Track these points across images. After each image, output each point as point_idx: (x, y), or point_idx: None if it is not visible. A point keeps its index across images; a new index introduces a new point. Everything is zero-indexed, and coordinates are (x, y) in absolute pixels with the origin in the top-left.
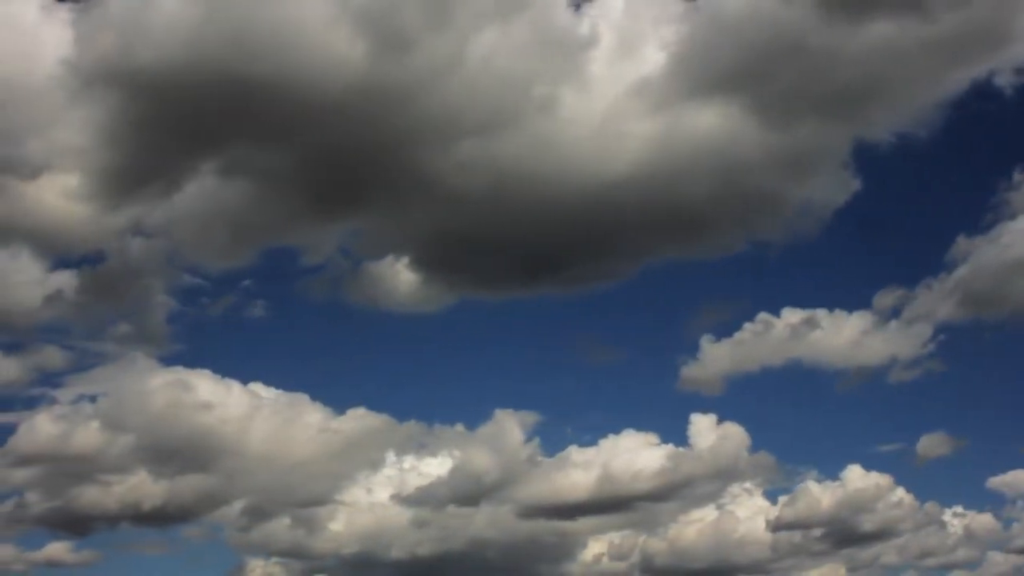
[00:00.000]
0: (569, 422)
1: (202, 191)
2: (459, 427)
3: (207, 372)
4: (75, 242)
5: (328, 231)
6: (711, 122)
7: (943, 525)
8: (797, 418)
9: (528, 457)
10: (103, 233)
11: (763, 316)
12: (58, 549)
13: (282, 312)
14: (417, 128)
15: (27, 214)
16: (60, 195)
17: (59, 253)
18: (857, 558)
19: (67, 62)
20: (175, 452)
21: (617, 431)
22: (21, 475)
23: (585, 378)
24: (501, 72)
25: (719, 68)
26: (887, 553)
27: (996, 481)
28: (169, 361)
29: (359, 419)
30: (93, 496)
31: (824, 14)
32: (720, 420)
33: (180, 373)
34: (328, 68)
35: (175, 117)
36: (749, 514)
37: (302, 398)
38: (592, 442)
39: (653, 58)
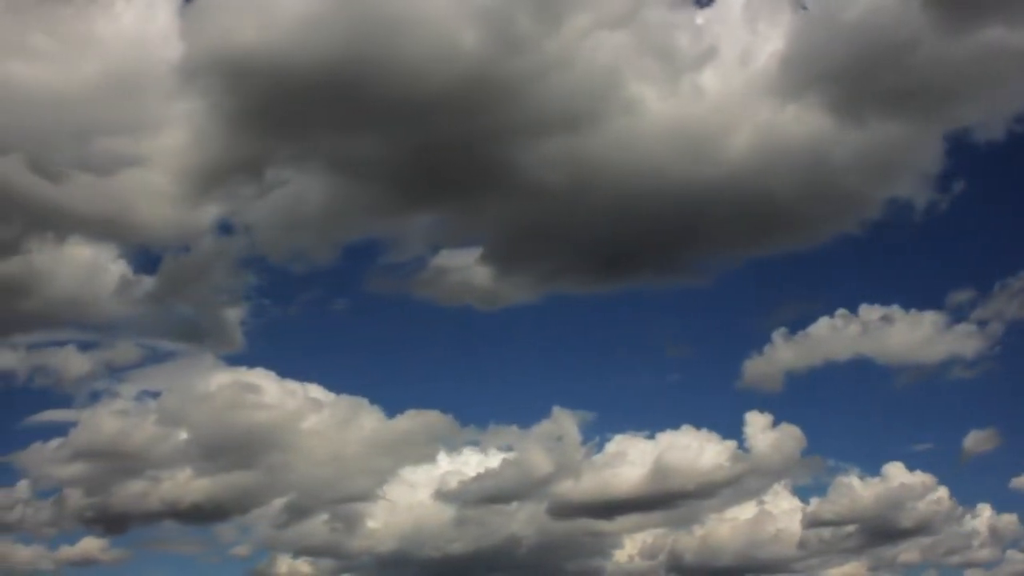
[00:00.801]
0: (628, 419)
1: (290, 185)
2: (513, 426)
3: (271, 373)
4: (159, 238)
5: (411, 225)
6: (800, 120)
7: (974, 524)
8: (848, 415)
9: (579, 455)
10: (188, 229)
11: (840, 312)
12: (92, 546)
13: (358, 309)
14: (511, 125)
15: (113, 208)
16: (147, 190)
17: (143, 248)
18: (881, 556)
19: (171, 54)
20: (225, 450)
21: (676, 427)
22: (70, 470)
23: (653, 374)
24: (598, 71)
25: (815, 69)
26: (912, 551)
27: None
28: (237, 360)
29: (413, 419)
30: (135, 492)
31: (932, 18)
32: (777, 418)
33: (243, 373)
34: (437, 62)
35: (269, 109)
36: (784, 511)
37: (361, 402)
38: (646, 439)
39: (754, 60)
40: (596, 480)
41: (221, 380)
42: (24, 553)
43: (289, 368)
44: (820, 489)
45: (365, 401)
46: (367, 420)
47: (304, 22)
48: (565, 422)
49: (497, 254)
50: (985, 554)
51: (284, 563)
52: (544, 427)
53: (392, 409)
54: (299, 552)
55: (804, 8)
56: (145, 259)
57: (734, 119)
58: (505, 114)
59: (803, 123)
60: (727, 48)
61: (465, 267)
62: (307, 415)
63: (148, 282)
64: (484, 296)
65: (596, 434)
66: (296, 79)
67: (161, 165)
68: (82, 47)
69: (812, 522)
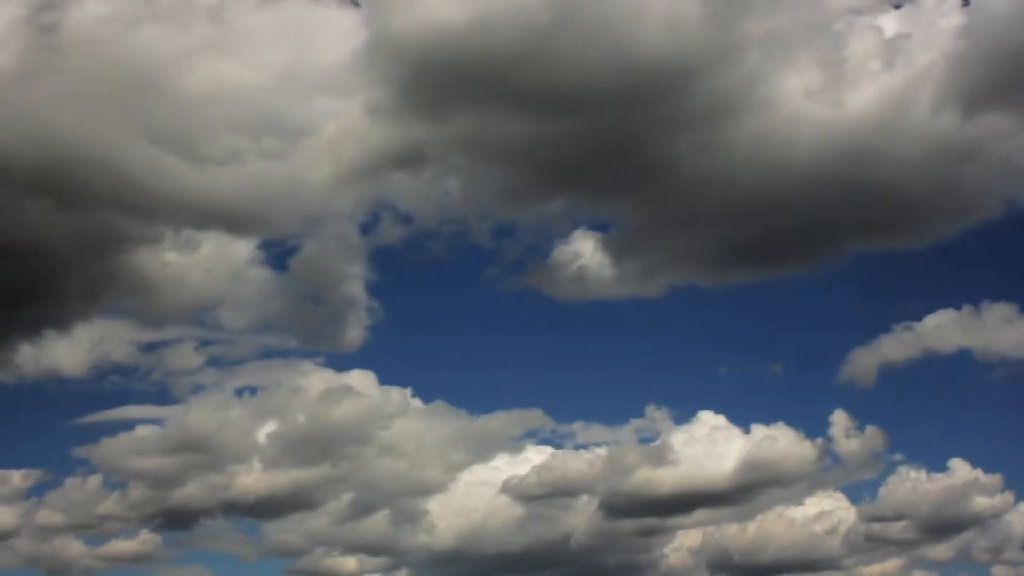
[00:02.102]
0: (730, 414)
1: (437, 173)
2: (604, 423)
3: (371, 374)
4: (296, 233)
5: (547, 213)
6: (927, 117)
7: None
8: (933, 411)
9: (657, 452)
10: (327, 223)
11: (947, 308)
12: (145, 542)
13: (479, 303)
14: (659, 118)
15: (255, 201)
16: (291, 183)
17: (280, 242)
18: (918, 553)
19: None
20: (305, 448)
21: (768, 422)
22: (148, 464)
23: (759, 367)
24: (748, 69)
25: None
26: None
27: None
28: (348, 359)
29: (499, 419)
30: (209, 486)
31: None
32: (865, 415)
33: (346, 375)
34: (598, 53)
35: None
36: (842, 507)
37: (451, 408)
38: (735, 434)
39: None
40: (673, 476)
41: (322, 379)
42: (75, 547)
43: (392, 371)
44: (880, 485)
45: (455, 408)
46: (451, 422)
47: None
48: (656, 419)
49: (625, 244)
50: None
51: (330, 559)
52: (635, 424)
53: (490, 405)
54: (352, 549)
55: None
56: (281, 253)
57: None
58: (657, 107)
59: (930, 120)
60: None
61: (591, 257)
62: (396, 417)
63: (276, 277)
64: (605, 287)
65: (688, 428)
66: (460, 67)
67: (313, 158)
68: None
69: (868, 518)
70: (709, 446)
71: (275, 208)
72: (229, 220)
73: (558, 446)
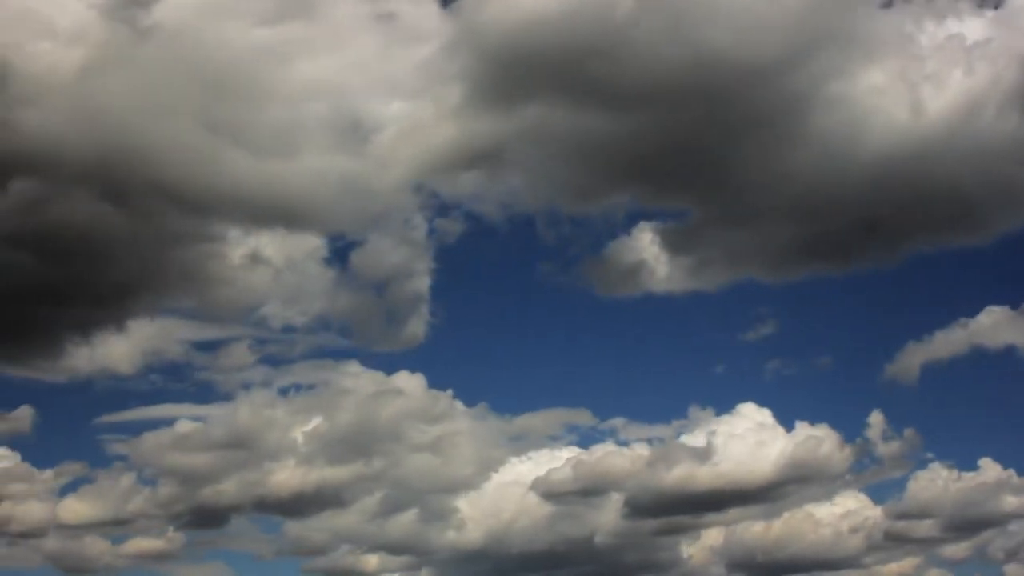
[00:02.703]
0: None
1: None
2: (637, 421)
3: (420, 377)
4: (360, 230)
5: (613, 206)
6: (992, 117)
7: None
8: (970, 410)
9: (694, 450)
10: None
11: (1003, 307)
12: (170, 539)
13: (536, 300)
14: (735, 113)
15: (319, 198)
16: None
17: (332, 238)
18: (937, 552)
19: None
20: (340, 447)
21: (807, 421)
22: (185, 461)
23: (805, 365)
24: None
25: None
26: (973, 545)
27: None
28: (399, 359)
29: (535, 419)
30: (243, 482)
31: None
32: (900, 415)
33: (395, 377)
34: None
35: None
36: (863, 506)
37: (486, 407)
38: (768, 436)
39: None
40: (708, 474)
41: (369, 379)
42: (98, 545)
43: (443, 370)
44: (908, 483)
45: (497, 407)
46: (493, 423)
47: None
48: (699, 416)
49: (686, 239)
50: None
51: (352, 558)
52: (677, 421)
53: (536, 403)
54: (376, 548)
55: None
56: (343, 251)
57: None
58: (727, 104)
59: (995, 122)
60: None
61: (650, 252)
62: (436, 417)
63: (338, 275)
64: (664, 282)
65: (730, 425)
66: (536, 61)
67: (382, 154)
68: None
69: (893, 516)
70: (749, 444)
71: (339, 205)
72: (290, 217)
73: (597, 444)
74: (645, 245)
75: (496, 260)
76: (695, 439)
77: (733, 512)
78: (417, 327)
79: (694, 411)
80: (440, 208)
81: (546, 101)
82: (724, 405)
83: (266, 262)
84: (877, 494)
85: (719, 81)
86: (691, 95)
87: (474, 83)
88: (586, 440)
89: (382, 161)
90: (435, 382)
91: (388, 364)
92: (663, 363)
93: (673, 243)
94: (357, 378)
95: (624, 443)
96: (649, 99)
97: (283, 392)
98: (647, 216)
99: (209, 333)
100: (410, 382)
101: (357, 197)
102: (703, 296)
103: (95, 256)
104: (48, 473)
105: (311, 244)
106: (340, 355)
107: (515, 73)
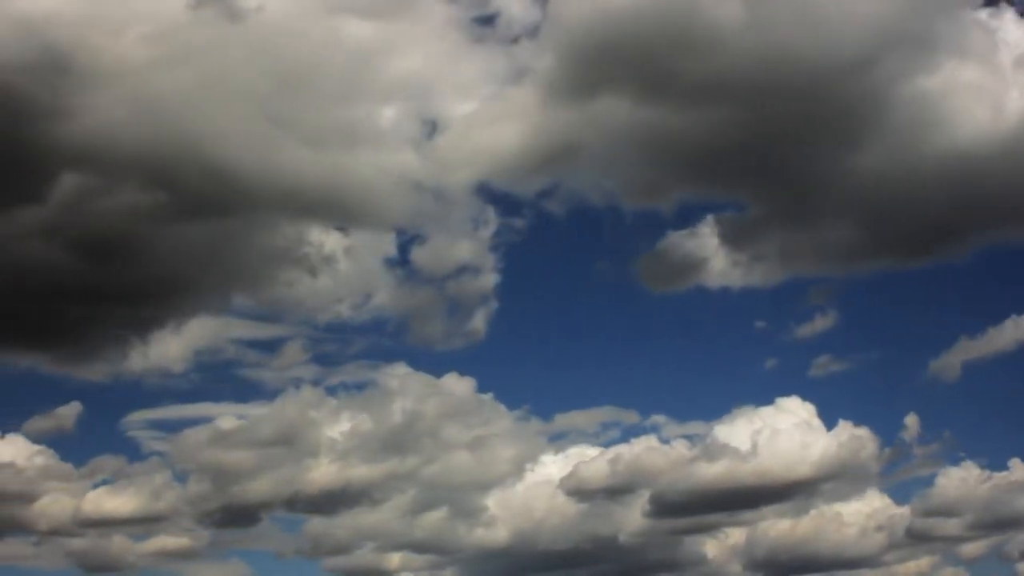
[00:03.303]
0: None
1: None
2: (678, 419)
3: (470, 380)
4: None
5: (674, 203)
6: None
7: None
8: (1007, 409)
9: (728, 448)
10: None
11: None
12: (194, 538)
13: (585, 298)
14: (810, 110)
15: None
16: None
17: (393, 235)
18: (956, 551)
19: None
20: (376, 446)
21: (851, 419)
22: (221, 459)
23: (856, 361)
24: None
25: None
26: (991, 544)
27: None
28: (452, 358)
29: (574, 418)
30: (269, 483)
31: None
32: (937, 413)
33: (444, 379)
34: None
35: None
36: (890, 504)
37: (526, 410)
38: (804, 437)
39: None
40: (742, 472)
41: (416, 380)
42: (118, 543)
43: (495, 370)
44: (936, 482)
45: (536, 409)
46: (531, 426)
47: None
48: (741, 415)
49: (749, 234)
50: None
51: (375, 556)
52: (718, 417)
53: (580, 401)
54: (400, 546)
55: None
56: (405, 248)
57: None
58: (802, 101)
59: None
60: None
61: (711, 247)
62: (479, 421)
63: (399, 273)
64: (724, 276)
65: (771, 422)
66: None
67: (451, 150)
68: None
69: (919, 515)
70: (787, 442)
71: (402, 203)
72: (354, 214)
73: (635, 442)
74: (704, 240)
75: (557, 257)
76: (734, 436)
77: (759, 511)
78: (476, 325)
79: (738, 408)
80: (506, 205)
81: (616, 96)
82: (769, 402)
83: (327, 260)
84: (905, 492)
85: (794, 77)
86: (764, 91)
87: (550, 81)
88: (624, 438)
89: (449, 158)
90: (485, 381)
91: (441, 364)
92: (713, 359)
93: (733, 238)
94: (404, 379)
95: (664, 441)
96: (721, 94)
97: (331, 391)
98: (709, 211)
99: (264, 332)
100: (457, 384)
101: (421, 195)
102: (760, 291)
103: (152, 253)
104: (83, 471)
105: (374, 241)
106: (392, 355)
107: (590, 69)
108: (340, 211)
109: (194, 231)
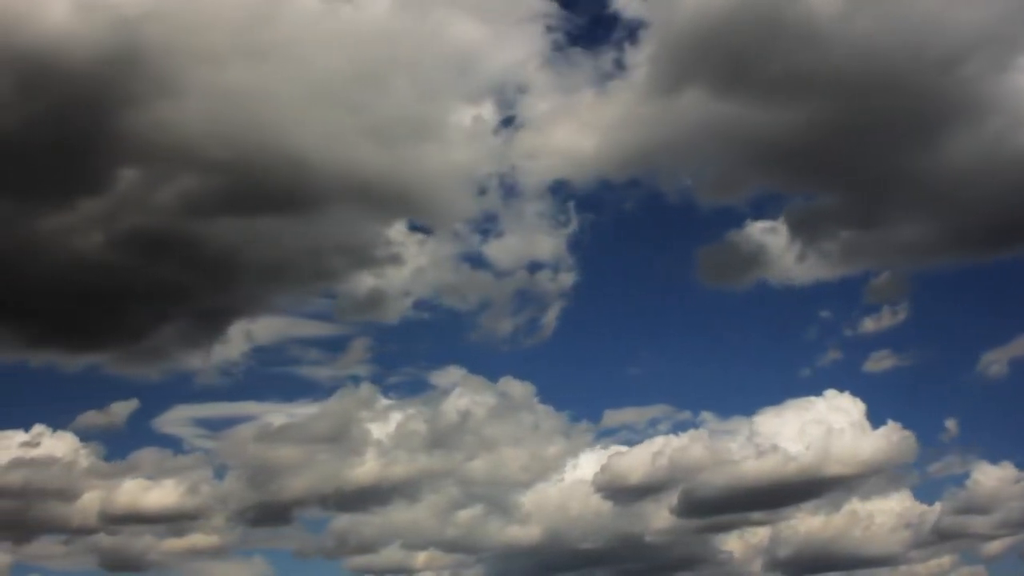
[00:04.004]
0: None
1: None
2: (722, 416)
3: (531, 385)
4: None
5: (749, 198)
6: None
7: None
8: None
9: (767, 445)
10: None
11: None
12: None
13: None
14: (894, 104)
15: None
16: None
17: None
18: (978, 549)
19: None
20: (417, 447)
21: (898, 417)
22: (267, 456)
23: (909, 358)
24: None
25: None
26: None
27: None
28: (508, 360)
29: (621, 416)
30: (306, 482)
31: None
32: (975, 414)
33: (500, 383)
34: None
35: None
36: (919, 502)
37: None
38: (847, 435)
39: None
40: (774, 469)
41: (468, 382)
42: (144, 541)
43: (551, 373)
44: (967, 480)
45: (584, 409)
46: (579, 428)
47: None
48: (787, 412)
49: (821, 230)
50: None
51: (403, 554)
52: (764, 412)
53: (632, 399)
54: (428, 544)
55: None
56: (477, 244)
57: None
58: (886, 97)
59: None
60: None
61: (779, 241)
62: (528, 425)
63: (472, 271)
64: (788, 271)
65: (816, 419)
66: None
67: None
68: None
69: (950, 513)
70: (829, 438)
71: (476, 200)
72: (423, 211)
73: (677, 439)
74: (775, 234)
75: (630, 254)
76: (775, 432)
77: (789, 509)
78: (545, 322)
79: (785, 402)
80: (583, 202)
81: (700, 92)
82: (818, 397)
83: (399, 257)
84: (937, 490)
85: (882, 72)
86: (850, 86)
87: (641, 79)
88: (671, 435)
89: (528, 155)
90: (543, 381)
91: (502, 363)
92: (770, 354)
93: (804, 232)
94: (459, 380)
95: (708, 437)
96: (806, 89)
97: (386, 391)
98: (784, 205)
99: (327, 330)
100: (510, 387)
101: (496, 192)
102: (827, 285)
103: (218, 249)
104: (125, 468)
105: (448, 239)
106: (453, 356)
107: (680, 67)
108: (415, 207)
109: (263, 226)
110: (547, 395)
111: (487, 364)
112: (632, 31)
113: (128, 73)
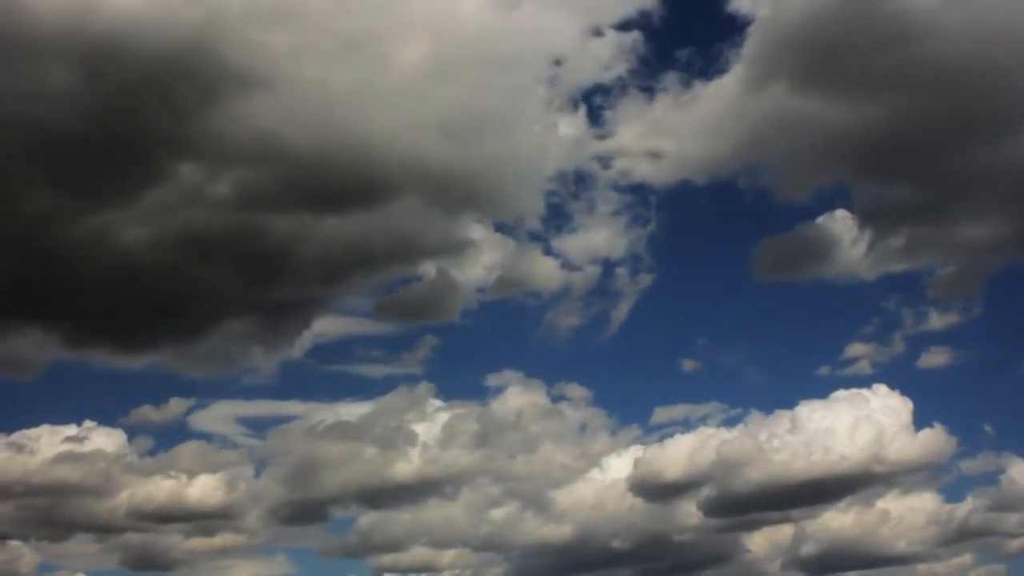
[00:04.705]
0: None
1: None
2: (760, 412)
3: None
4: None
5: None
6: None
7: None
8: None
9: (805, 442)
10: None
11: None
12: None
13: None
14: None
15: None
16: None
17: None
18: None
19: None
20: (464, 445)
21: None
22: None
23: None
24: None
25: None
26: None
27: None
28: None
29: (667, 413)
30: (342, 480)
31: None
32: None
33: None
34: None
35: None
36: (939, 502)
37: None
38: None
39: None
40: (807, 467)
41: (526, 385)
42: (172, 539)
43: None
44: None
45: (633, 411)
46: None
47: None
48: (830, 407)
49: (888, 227)
50: None
51: (429, 553)
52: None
53: (684, 396)
54: (454, 543)
55: None
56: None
57: None
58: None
59: None
60: None
61: (848, 236)
62: (575, 427)
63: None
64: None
65: (852, 418)
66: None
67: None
68: None
69: (983, 511)
70: (869, 438)
71: (543, 198)
72: (495, 207)
73: (718, 436)
74: (844, 227)
75: (702, 252)
76: (817, 431)
77: (818, 507)
78: (614, 319)
79: (836, 398)
80: (662, 199)
81: (787, 89)
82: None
83: (469, 255)
84: (968, 488)
85: (963, 71)
86: (936, 83)
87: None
88: (717, 431)
89: (609, 152)
90: (597, 380)
91: (559, 363)
92: (826, 348)
93: (875, 226)
94: (515, 382)
95: (745, 434)
96: (895, 85)
97: (440, 392)
98: (855, 198)
99: (389, 329)
100: (564, 389)
101: (570, 189)
102: (893, 279)
103: (283, 247)
104: (165, 466)
105: (519, 237)
106: (512, 356)
107: (775, 66)
108: (491, 203)
109: (329, 223)
110: (602, 394)
111: (546, 363)
112: (736, 28)
113: (202, 63)
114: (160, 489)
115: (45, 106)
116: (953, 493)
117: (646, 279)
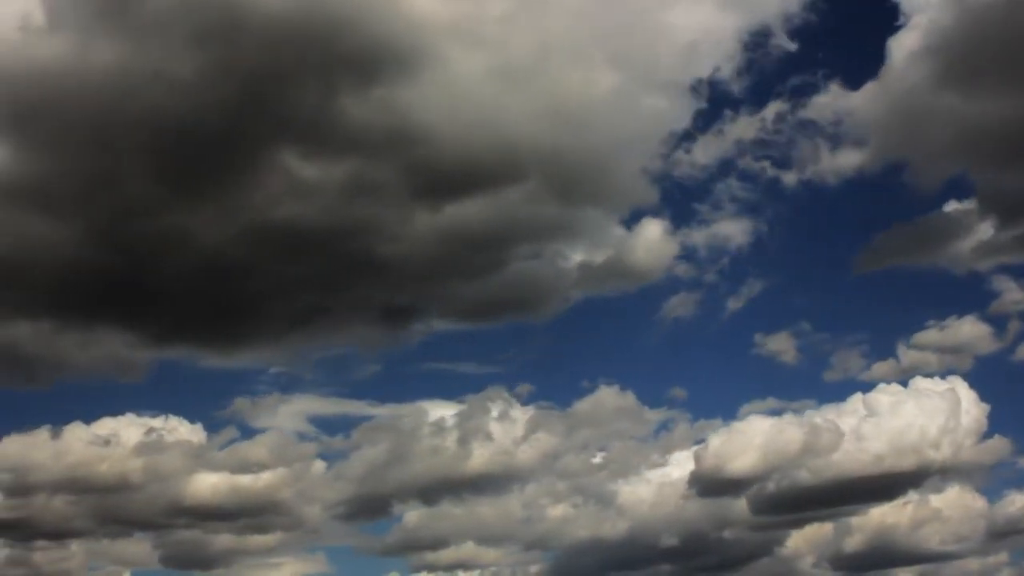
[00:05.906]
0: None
1: None
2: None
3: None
4: None
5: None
6: None
7: None
8: None
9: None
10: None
11: None
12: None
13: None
14: None
15: None
16: None
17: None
18: None
19: None
20: (541, 444)
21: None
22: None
23: None
24: None
25: None
26: None
27: None
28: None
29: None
30: (406, 478)
31: None
32: None
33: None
34: None
35: None
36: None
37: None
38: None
39: None
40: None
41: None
42: (224, 539)
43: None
44: None
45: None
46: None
47: None
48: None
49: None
50: None
51: (473, 549)
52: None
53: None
54: (499, 540)
55: None
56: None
57: None
58: None
59: None
60: None
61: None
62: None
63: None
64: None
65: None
66: None
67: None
68: None
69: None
70: (924, 432)
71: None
72: (603, 199)
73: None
74: (967, 216)
75: (821, 246)
76: (881, 430)
77: (865, 505)
78: (723, 315)
79: (912, 389)
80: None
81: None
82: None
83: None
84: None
85: None
86: None
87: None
88: (781, 428)
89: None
90: (689, 380)
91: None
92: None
93: (998, 215)
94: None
95: (810, 430)
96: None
97: (525, 393)
98: (978, 189)
99: (485, 326)
100: (645, 390)
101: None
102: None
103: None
104: (230, 461)
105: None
106: (603, 355)
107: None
108: (598, 194)
109: (447, 214)
110: (687, 389)
111: (640, 362)
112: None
113: (321, 48)
114: (225, 483)
115: (164, 94)
116: (993, 491)
117: (756, 278)
